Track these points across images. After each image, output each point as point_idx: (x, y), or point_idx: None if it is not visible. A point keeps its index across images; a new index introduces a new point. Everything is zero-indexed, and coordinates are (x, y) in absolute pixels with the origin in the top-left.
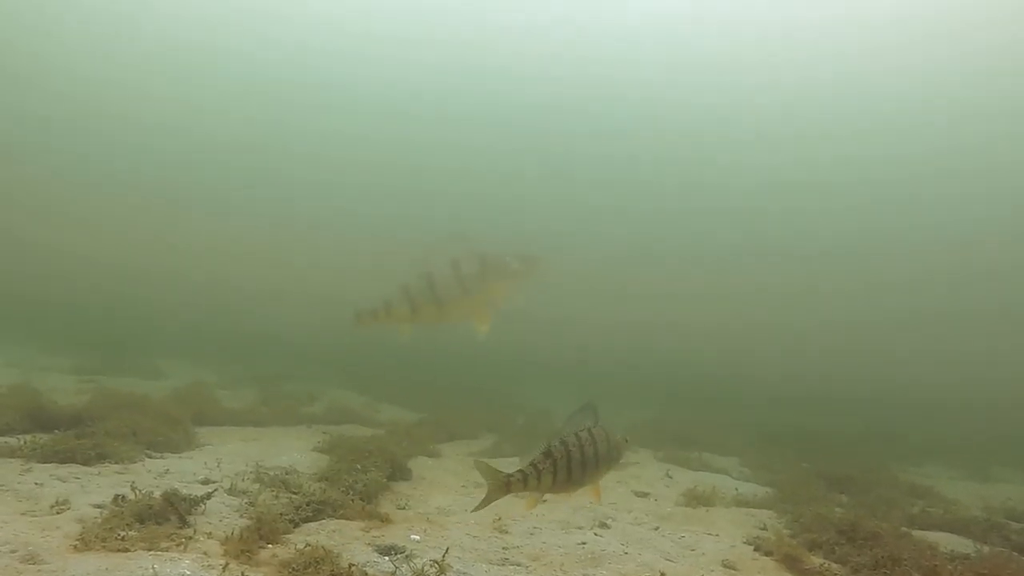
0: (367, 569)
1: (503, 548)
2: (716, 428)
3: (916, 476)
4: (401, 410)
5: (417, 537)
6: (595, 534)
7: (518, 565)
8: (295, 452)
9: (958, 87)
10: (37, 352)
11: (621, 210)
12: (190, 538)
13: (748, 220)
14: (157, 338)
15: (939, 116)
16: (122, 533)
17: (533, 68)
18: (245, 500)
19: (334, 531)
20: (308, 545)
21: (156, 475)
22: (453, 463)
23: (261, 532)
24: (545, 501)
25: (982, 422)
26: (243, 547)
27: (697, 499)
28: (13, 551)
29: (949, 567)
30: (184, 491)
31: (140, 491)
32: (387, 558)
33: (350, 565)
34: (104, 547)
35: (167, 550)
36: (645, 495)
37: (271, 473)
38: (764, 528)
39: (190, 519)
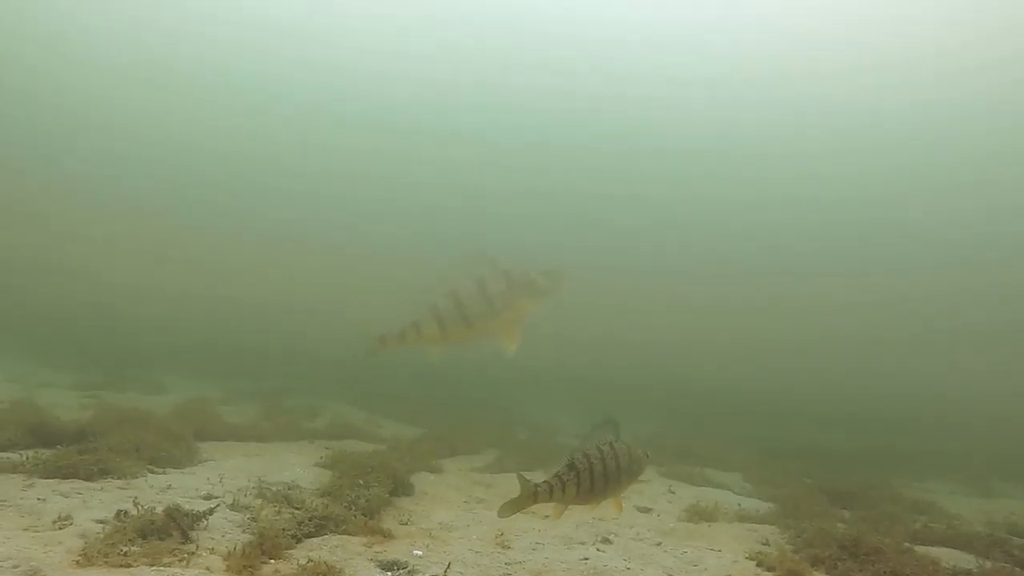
0: None
1: (505, 564)
2: (718, 443)
3: (918, 491)
4: (402, 425)
5: (420, 553)
6: (597, 550)
7: None
8: (297, 467)
9: (964, 103)
10: (39, 367)
11: (621, 224)
12: (192, 553)
13: (750, 235)
14: (159, 353)
15: (945, 133)
16: (124, 548)
17: (535, 82)
18: (247, 515)
19: (336, 546)
20: (310, 560)
21: (158, 490)
22: (455, 478)
23: (263, 547)
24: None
25: (984, 437)
26: (245, 562)
27: (699, 514)
28: (16, 566)
29: None
30: (186, 506)
31: (142, 506)
32: (389, 574)
33: None
34: (106, 562)
35: (169, 565)
36: (648, 510)
37: (273, 488)
38: (767, 543)
39: (192, 534)
